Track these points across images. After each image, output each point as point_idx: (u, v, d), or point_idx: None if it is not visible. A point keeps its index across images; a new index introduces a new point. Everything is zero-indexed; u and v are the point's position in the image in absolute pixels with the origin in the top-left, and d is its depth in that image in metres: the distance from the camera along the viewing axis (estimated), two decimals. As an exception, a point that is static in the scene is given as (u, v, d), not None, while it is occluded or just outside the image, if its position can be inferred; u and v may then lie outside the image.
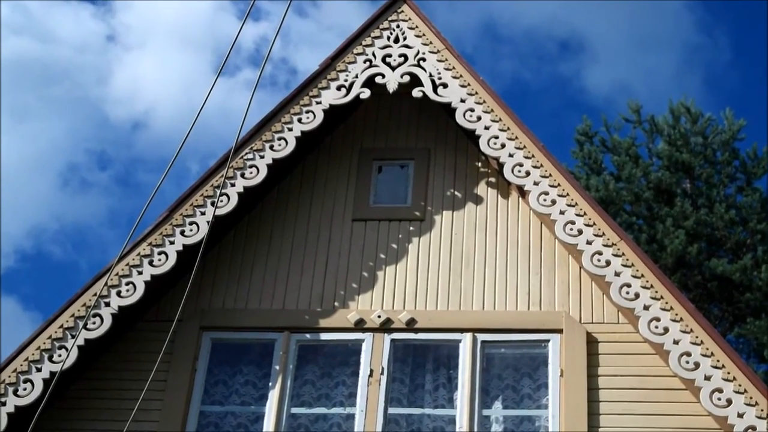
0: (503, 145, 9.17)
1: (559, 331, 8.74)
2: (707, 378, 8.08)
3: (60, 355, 8.50)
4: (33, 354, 8.55)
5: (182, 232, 9.00)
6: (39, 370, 8.49)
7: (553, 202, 8.91)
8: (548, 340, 8.74)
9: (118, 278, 8.81)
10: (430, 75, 9.52)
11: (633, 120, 23.68)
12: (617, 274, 8.55)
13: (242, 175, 9.21)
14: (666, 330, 8.30)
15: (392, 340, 8.92)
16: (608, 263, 8.62)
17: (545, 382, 8.63)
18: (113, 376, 8.96)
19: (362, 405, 8.64)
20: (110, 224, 41.85)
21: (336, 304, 9.16)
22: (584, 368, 8.51)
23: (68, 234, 41.91)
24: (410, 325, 8.94)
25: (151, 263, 8.89)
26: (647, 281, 8.49)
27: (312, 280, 9.31)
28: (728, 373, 8.07)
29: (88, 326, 8.55)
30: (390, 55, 9.69)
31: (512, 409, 8.64)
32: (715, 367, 8.10)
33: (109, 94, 42.23)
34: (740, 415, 7.92)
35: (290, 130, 9.40)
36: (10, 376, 8.47)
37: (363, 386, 8.73)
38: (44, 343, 8.59)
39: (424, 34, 9.73)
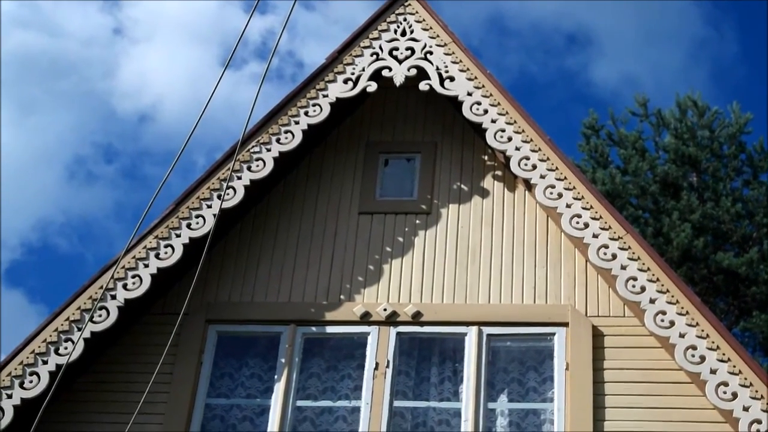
0: (510, 139, 9.16)
1: (565, 324, 8.73)
2: (713, 371, 8.07)
3: (66, 348, 8.52)
4: (39, 346, 8.57)
5: (189, 225, 9.01)
6: (45, 362, 8.51)
7: (560, 195, 8.90)
8: (554, 334, 8.74)
9: (125, 271, 8.82)
10: (437, 68, 9.52)
11: (640, 113, 23.60)
12: (623, 268, 8.54)
13: (249, 168, 9.21)
14: (672, 323, 8.29)
15: (398, 333, 8.92)
16: (614, 257, 8.61)
17: (551, 375, 8.63)
18: (119, 369, 8.97)
19: (368, 398, 8.65)
20: (116, 217, 41.92)
21: (342, 297, 9.16)
22: (590, 362, 8.50)
23: (75, 227, 41.99)
24: (416, 319, 8.94)
25: (157, 256, 8.90)
26: (653, 275, 8.48)
27: (318, 274, 9.31)
28: (734, 366, 8.06)
29: (94, 319, 8.56)
30: (397, 49, 9.68)
31: (518, 402, 8.63)
32: (721, 361, 8.09)
33: (116, 88, 42.27)
34: (746, 409, 7.91)
35: (297, 123, 9.40)
36: (16, 369, 8.48)
37: (368, 379, 8.73)
38: (50, 336, 8.60)
39: (431, 28, 9.71)
